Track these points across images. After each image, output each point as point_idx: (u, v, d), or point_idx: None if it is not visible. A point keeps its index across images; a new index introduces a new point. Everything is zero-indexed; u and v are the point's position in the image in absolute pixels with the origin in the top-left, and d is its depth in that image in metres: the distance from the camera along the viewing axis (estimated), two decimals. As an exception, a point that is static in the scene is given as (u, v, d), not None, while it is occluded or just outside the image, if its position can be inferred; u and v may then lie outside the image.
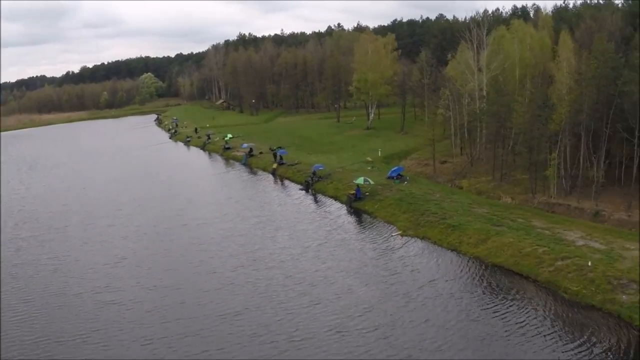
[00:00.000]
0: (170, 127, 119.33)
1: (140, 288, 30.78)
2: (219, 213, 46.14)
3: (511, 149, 52.40)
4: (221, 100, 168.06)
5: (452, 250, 34.54)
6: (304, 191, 53.60)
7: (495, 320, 25.04)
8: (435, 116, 63.90)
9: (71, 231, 43.36)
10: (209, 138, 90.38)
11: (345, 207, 46.57)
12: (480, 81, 58.95)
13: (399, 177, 51.87)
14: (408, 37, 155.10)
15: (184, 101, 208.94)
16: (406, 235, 37.99)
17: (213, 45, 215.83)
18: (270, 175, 62.41)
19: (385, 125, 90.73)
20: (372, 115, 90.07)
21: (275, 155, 65.10)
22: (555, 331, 23.64)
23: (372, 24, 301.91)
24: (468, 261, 32.63)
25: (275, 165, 63.09)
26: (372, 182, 47.33)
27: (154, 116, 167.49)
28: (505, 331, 23.95)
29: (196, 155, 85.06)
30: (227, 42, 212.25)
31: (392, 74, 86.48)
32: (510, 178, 51.23)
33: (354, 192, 47.14)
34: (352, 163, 60.45)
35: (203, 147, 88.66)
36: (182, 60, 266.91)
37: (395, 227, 39.82)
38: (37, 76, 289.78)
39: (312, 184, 53.91)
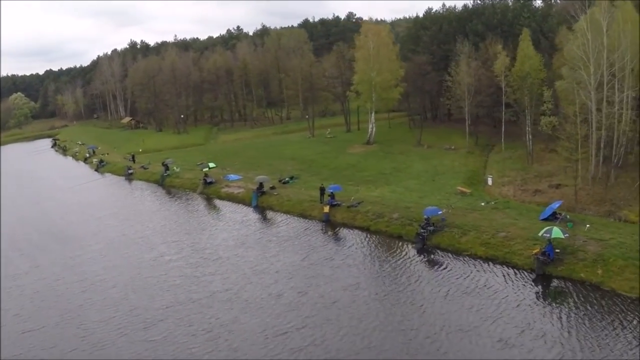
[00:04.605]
0: (87, 156, 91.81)
1: None
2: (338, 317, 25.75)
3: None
4: (128, 118, 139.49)
5: None
6: (416, 249, 34.87)
7: None
8: (542, 126, 47.83)
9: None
10: (167, 169, 66.48)
11: (532, 276, 28.91)
12: (596, 75, 44.21)
13: (558, 216, 35.23)
14: (323, 37, 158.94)
15: (71, 122, 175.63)
16: None
17: (99, 55, 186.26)
18: (320, 224, 42.29)
19: (385, 138, 73.63)
20: (373, 126, 71.99)
21: (321, 193, 45.00)
22: None
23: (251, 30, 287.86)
24: None
25: (326, 209, 42.99)
26: (567, 234, 30.12)
27: (42, 142, 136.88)
28: None
29: (160, 195, 59.61)
30: (115, 52, 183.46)
31: (403, 73, 69.36)
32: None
33: (538, 250, 29.68)
34: (444, 198, 42.57)
35: (161, 183, 64.62)
36: (54, 76, 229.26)
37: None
38: None
39: (427, 237, 35.38)
